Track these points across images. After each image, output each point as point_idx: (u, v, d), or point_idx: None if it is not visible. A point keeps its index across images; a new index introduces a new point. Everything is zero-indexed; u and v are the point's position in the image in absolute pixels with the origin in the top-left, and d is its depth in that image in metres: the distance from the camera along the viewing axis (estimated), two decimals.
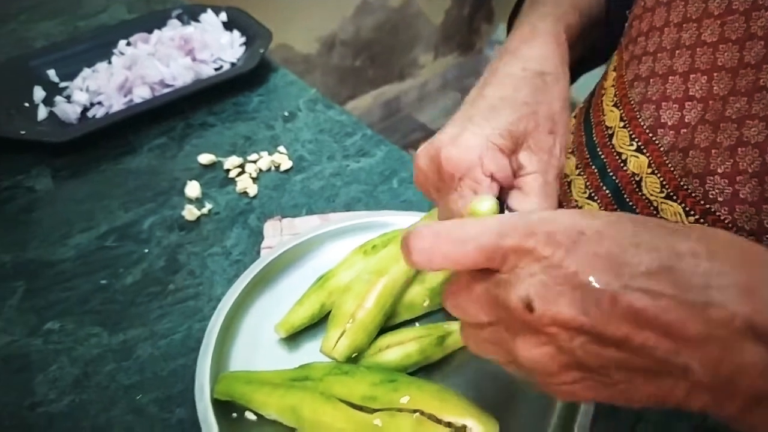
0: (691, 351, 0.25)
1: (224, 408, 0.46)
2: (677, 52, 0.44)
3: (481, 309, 0.30)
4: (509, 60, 0.46)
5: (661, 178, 0.45)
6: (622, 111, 0.49)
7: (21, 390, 0.50)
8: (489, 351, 0.32)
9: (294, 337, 0.52)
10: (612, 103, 0.50)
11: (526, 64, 0.45)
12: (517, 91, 0.43)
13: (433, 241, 0.29)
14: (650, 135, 0.46)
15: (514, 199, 0.40)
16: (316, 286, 0.53)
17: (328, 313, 0.50)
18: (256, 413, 0.45)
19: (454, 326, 0.50)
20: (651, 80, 0.46)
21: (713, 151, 0.42)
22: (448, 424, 0.42)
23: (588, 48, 0.58)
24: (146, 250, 0.61)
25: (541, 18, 0.49)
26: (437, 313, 0.52)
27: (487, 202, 0.34)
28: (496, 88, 0.44)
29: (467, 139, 0.40)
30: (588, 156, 0.52)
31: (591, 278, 0.26)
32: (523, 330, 0.28)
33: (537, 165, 0.40)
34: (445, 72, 2.52)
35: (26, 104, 0.76)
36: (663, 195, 0.45)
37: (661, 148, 0.45)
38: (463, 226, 0.29)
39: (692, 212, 0.43)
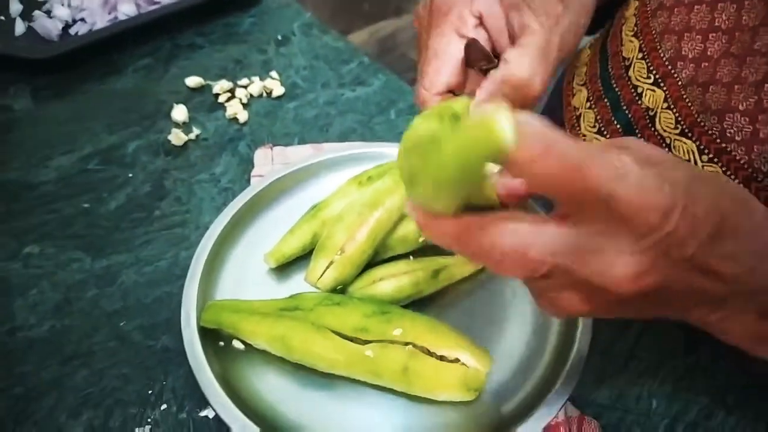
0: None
1: (211, 336, 0.44)
2: None
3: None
4: None
5: (677, 114, 0.43)
6: (641, 41, 0.46)
7: (0, 314, 0.48)
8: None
9: (284, 268, 0.50)
10: (632, 33, 0.47)
11: None
12: None
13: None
14: (669, 67, 0.43)
15: (510, 53, 0.38)
16: (309, 215, 0.51)
17: None
18: (243, 342, 0.44)
19: (449, 260, 0.48)
20: (675, 9, 0.43)
21: (736, 86, 0.39)
22: (441, 357, 0.41)
23: None
24: (131, 175, 0.58)
25: None
26: (431, 247, 0.51)
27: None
28: None
29: None
30: (601, 88, 0.49)
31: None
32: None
33: (541, 25, 0.38)
34: None
35: (1, 18, 0.72)
36: (677, 131, 0.43)
37: (680, 82, 0.42)
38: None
39: (706, 150, 0.41)
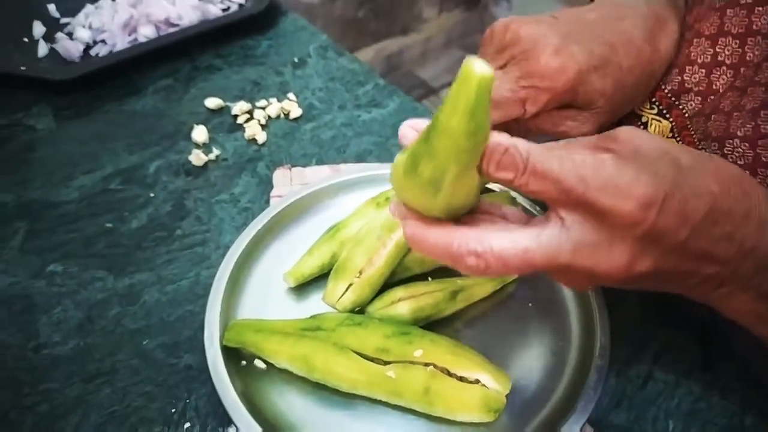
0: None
1: (233, 355, 0.45)
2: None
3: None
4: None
5: (680, 142, 0.44)
6: None
7: (25, 331, 0.49)
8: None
9: (303, 287, 0.51)
10: None
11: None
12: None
13: None
14: (673, 99, 0.44)
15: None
16: (328, 236, 0.52)
17: None
18: (266, 361, 0.45)
19: (467, 281, 0.49)
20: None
21: (735, 114, 0.40)
22: (461, 379, 0.42)
23: None
24: (152, 195, 0.59)
25: None
26: (449, 268, 0.51)
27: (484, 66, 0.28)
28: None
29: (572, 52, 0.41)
30: None
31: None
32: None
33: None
34: (449, 28, 2.46)
35: (25, 39, 0.74)
36: None
37: (686, 113, 0.43)
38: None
39: None
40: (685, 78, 0.43)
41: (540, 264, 0.31)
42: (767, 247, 0.31)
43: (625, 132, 0.31)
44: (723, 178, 0.31)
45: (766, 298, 0.34)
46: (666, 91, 0.45)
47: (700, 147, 0.42)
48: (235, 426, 0.41)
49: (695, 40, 0.43)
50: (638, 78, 0.43)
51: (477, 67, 0.28)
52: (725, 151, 0.41)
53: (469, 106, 0.28)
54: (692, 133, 0.43)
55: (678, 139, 0.44)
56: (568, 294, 0.50)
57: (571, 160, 0.29)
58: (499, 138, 0.30)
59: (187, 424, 0.44)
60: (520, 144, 0.30)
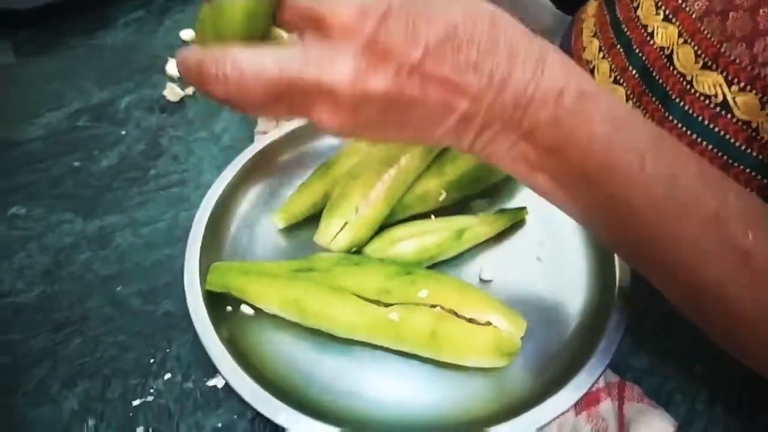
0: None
1: (217, 300, 0.41)
2: None
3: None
4: None
5: (696, 47, 0.40)
6: None
7: None
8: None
9: (292, 230, 0.47)
10: None
11: None
12: None
13: None
14: (679, 1, 0.40)
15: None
16: (319, 173, 0.47)
17: None
18: (253, 306, 0.41)
19: (474, 220, 0.45)
20: None
21: (761, 10, 0.37)
22: (471, 320, 0.38)
23: None
24: (123, 132, 0.54)
25: None
26: (452, 206, 0.47)
27: None
28: None
29: None
30: (612, 35, 0.47)
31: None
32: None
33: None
34: None
35: None
36: (699, 66, 0.40)
37: (693, 15, 0.40)
38: None
39: (736, 80, 0.39)
40: None
41: (271, 75, 0.29)
42: (521, 79, 0.29)
43: None
44: (469, 10, 0.29)
45: (530, 137, 0.31)
46: None
47: (722, 50, 0.39)
48: (222, 375, 0.37)
49: None
50: None
51: None
52: (754, 51, 0.38)
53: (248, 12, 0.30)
54: (708, 35, 0.39)
55: (692, 44, 0.40)
56: (583, 233, 0.46)
57: None
58: None
59: (168, 375, 0.40)
60: None
